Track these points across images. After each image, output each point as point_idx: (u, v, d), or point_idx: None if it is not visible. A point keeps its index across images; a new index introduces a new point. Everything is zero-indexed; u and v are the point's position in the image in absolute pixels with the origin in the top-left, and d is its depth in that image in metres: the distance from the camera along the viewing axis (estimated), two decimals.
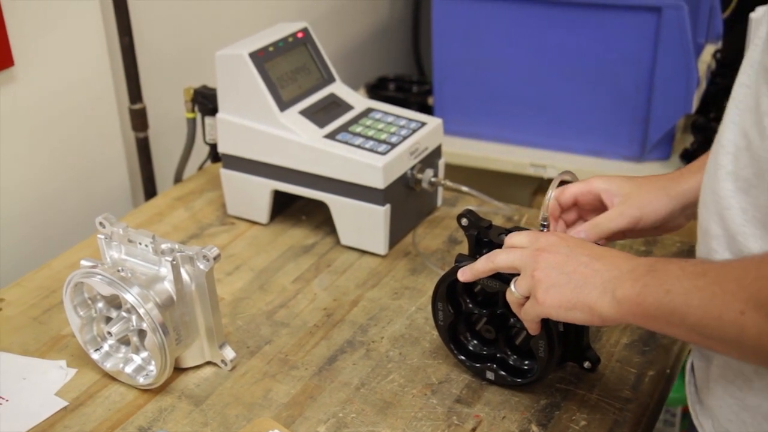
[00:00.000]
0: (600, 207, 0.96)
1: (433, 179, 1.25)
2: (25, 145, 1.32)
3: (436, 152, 1.30)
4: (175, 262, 0.95)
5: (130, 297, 0.93)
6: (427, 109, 1.95)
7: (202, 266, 0.95)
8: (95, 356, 1.00)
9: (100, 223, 0.99)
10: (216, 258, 0.95)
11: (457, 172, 1.80)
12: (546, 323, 0.90)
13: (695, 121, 1.84)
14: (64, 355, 1.04)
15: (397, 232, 1.25)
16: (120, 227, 0.98)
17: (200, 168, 1.49)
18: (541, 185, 1.94)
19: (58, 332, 1.08)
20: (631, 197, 0.94)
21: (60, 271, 1.21)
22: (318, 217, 1.32)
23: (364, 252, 1.24)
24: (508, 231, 0.96)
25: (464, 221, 0.98)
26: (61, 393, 0.99)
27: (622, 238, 0.96)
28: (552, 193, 0.94)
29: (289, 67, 1.26)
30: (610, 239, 0.95)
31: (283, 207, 1.34)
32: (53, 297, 1.15)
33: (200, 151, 1.46)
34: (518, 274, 0.85)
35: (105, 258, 1.00)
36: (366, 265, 1.22)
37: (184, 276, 0.97)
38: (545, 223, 0.94)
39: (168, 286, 0.96)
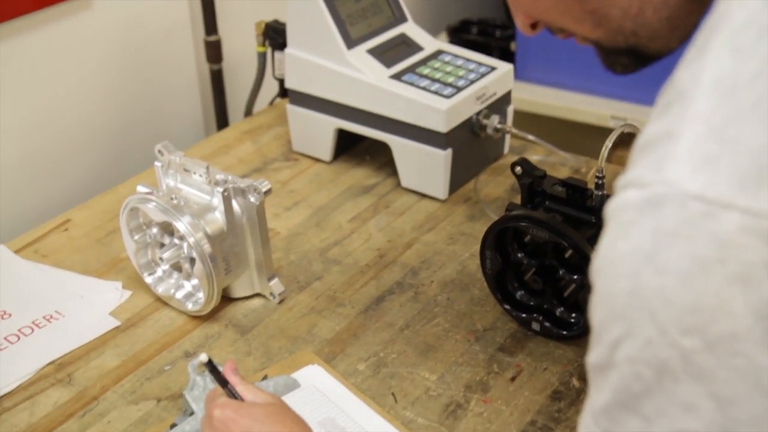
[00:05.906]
0: None
1: (498, 126, 1.23)
2: (101, 73, 1.34)
3: (505, 98, 1.28)
4: (226, 194, 0.96)
5: (181, 225, 0.94)
6: (509, 55, 1.91)
7: (252, 199, 0.96)
8: (148, 280, 1.03)
9: (159, 151, 1.00)
10: (267, 192, 0.96)
11: (533, 120, 1.77)
12: None
13: None
14: (121, 277, 1.08)
15: (458, 178, 1.23)
16: (177, 156, 0.99)
17: (271, 103, 1.49)
18: (621, 139, 1.89)
19: (117, 255, 1.11)
20: None
21: (125, 196, 1.22)
22: (382, 157, 1.31)
23: (424, 195, 1.23)
24: (562, 182, 0.94)
25: (518, 170, 0.96)
26: (115, 313, 1.02)
27: None
28: (609, 144, 0.91)
29: (359, 5, 1.25)
30: None
31: (349, 146, 1.34)
32: (116, 221, 1.17)
33: (273, 86, 1.47)
34: None
35: (161, 185, 1.02)
36: (424, 208, 1.21)
37: (236, 208, 0.98)
38: (600, 175, 0.91)
39: (219, 216, 0.97)
